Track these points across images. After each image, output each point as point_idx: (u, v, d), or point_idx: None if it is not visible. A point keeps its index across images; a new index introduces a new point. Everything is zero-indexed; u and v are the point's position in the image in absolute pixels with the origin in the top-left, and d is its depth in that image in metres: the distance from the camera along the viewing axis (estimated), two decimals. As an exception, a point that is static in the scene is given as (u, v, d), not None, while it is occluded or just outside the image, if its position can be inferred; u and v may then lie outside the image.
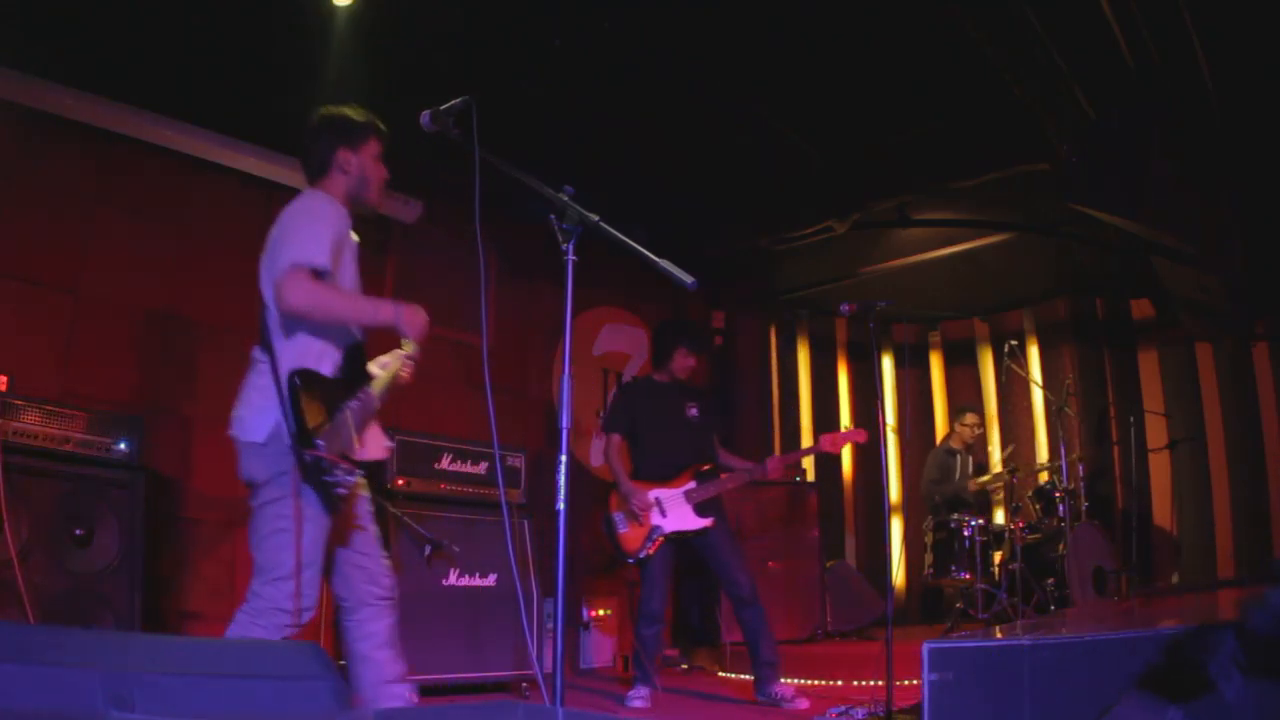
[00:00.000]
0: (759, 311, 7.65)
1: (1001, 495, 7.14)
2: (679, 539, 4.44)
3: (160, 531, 4.17)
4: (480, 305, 2.55)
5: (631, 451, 4.61)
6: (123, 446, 3.74)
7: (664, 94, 5.10)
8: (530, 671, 4.56)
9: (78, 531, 3.52)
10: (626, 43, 4.62)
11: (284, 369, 2.50)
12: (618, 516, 4.47)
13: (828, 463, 7.71)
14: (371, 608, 2.71)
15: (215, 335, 4.61)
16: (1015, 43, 4.32)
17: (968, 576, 5.90)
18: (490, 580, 4.63)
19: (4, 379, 3.51)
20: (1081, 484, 6.22)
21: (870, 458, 7.75)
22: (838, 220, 6.21)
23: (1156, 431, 6.78)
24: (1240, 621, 1.70)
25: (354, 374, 2.65)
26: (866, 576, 6.89)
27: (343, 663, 3.42)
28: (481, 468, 4.82)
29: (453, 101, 2.28)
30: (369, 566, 2.71)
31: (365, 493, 2.75)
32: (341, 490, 2.51)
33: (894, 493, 7.87)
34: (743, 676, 5.12)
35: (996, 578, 5.96)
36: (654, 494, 4.44)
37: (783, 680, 4.39)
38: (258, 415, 2.50)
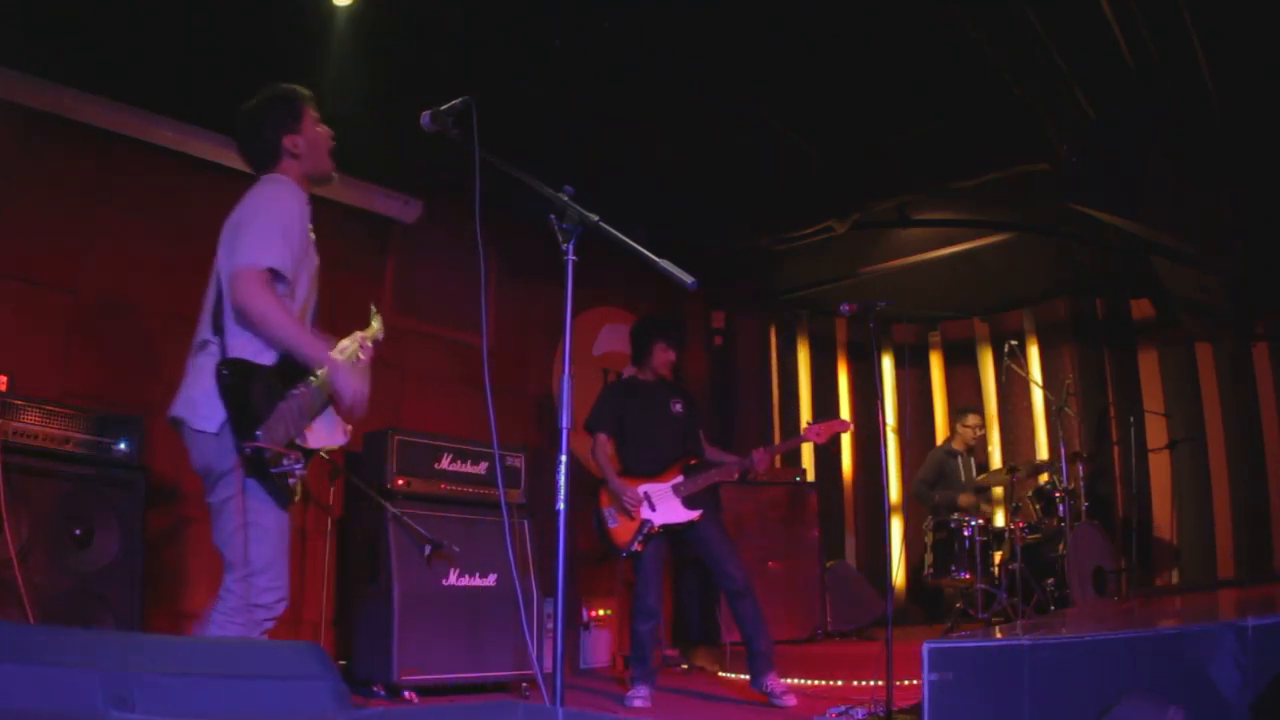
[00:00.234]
0: (759, 311, 7.65)
1: (1001, 495, 7.14)
2: (670, 532, 4.47)
3: (160, 531, 4.17)
4: (480, 305, 2.56)
5: (619, 449, 4.64)
6: (123, 446, 3.74)
7: (664, 94, 5.10)
8: (530, 671, 4.56)
9: (77, 531, 3.53)
10: (626, 43, 4.62)
11: (231, 355, 2.46)
12: (607, 512, 4.50)
13: (828, 463, 7.72)
14: None
15: (215, 335, 4.61)
16: (1015, 43, 4.32)
17: (968, 576, 5.90)
18: (490, 580, 4.64)
19: (4, 379, 3.50)
20: (1081, 484, 6.22)
21: (870, 458, 7.75)
22: (838, 220, 6.21)
23: (1156, 431, 6.77)
24: None
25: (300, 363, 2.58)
26: (866, 576, 6.89)
27: (343, 662, 3.44)
28: (481, 468, 4.82)
29: (453, 101, 2.28)
30: None
31: None
32: (292, 480, 2.49)
33: (894, 493, 7.87)
34: (742, 676, 5.12)
35: (996, 578, 5.96)
36: (643, 489, 4.47)
37: (780, 679, 4.40)
38: (210, 401, 2.44)
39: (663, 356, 4.68)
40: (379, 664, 4.26)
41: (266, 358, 2.51)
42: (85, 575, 3.51)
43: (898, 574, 7.25)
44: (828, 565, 6.46)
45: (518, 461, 5.01)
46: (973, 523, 5.97)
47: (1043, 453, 7.33)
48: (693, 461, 4.58)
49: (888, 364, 8.11)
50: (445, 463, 4.70)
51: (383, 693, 4.27)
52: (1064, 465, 6.02)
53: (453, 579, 4.51)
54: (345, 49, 4.39)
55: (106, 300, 4.38)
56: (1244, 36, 4.28)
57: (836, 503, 7.76)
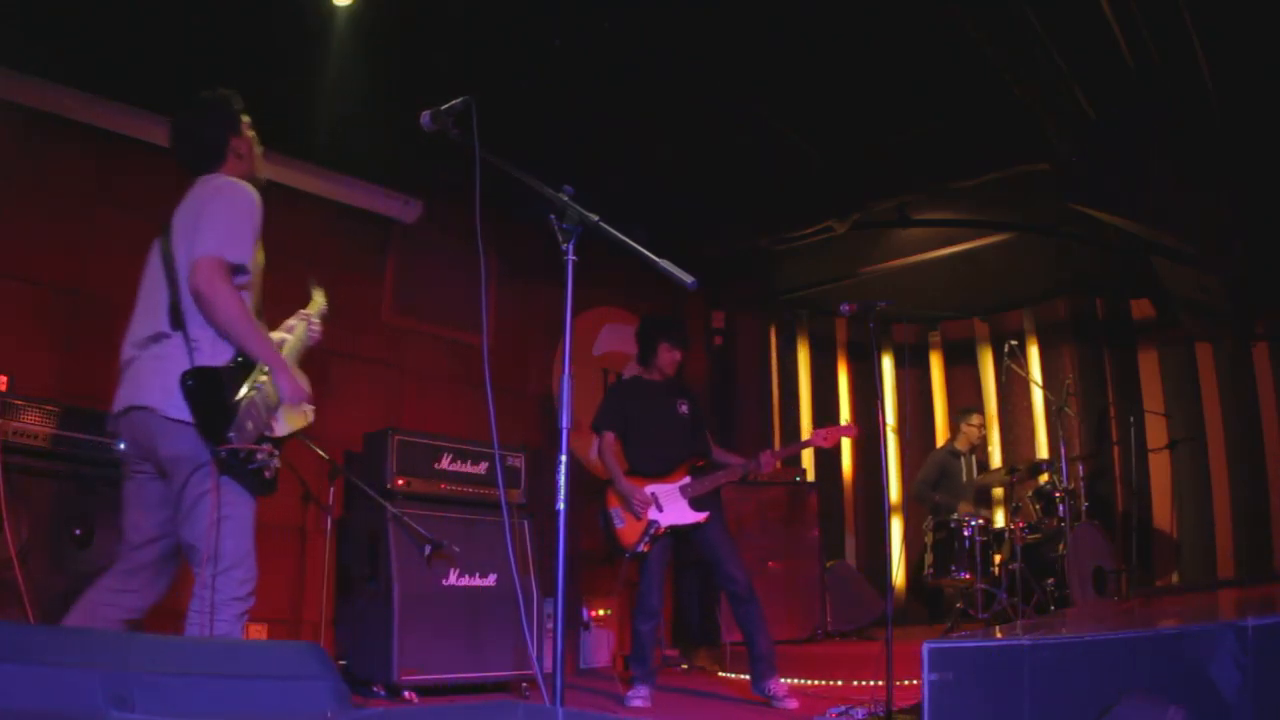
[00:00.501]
0: (759, 311, 7.65)
1: (1001, 495, 7.14)
2: (675, 533, 4.47)
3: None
4: (480, 305, 2.56)
5: (625, 449, 4.63)
6: (123, 446, 3.73)
7: (664, 94, 5.10)
8: (530, 671, 4.56)
9: (78, 531, 3.53)
10: (626, 43, 4.62)
11: (198, 355, 2.52)
12: (614, 512, 4.49)
13: (828, 463, 7.72)
14: None
15: (215, 335, 4.61)
16: (1015, 43, 4.32)
17: (968, 576, 5.90)
18: (490, 580, 4.64)
19: (4, 379, 3.51)
20: (1081, 484, 6.22)
21: (870, 458, 7.75)
22: (838, 220, 6.21)
23: (1156, 431, 6.77)
24: None
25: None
26: (866, 576, 6.89)
27: (343, 662, 3.44)
28: (481, 468, 4.82)
29: (453, 101, 2.28)
30: None
31: None
32: (269, 473, 2.58)
33: (894, 493, 7.87)
34: (742, 676, 5.12)
35: (996, 578, 5.96)
36: (650, 489, 4.47)
37: (780, 679, 4.40)
38: (179, 391, 2.49)
39: (668, 356, 4.67)
40: (379, 664, 4.26)
41: (225, 355, 2.57)
42: (85, 575, 3.49)
43: (898, 574, 7.24)
44: (828, 565, 6.46)
45: (518, 461, 5.01)
46: (973, 523, 5.97)
47: (1043, 453, 7.33)
48: (699, 463, 4.57)
49: (888, 364, 8.11)
50: (445, 463, 4.70)
51: (383, 693, 4.27)
52: (1064, 465, 6.02)
53: (453, 579, 4.51)
54: (345, 49, 4.39)
55: (107, 300, 4.38)
56: (1244, 36, 4.28)
57: (836, 503, 7.76)
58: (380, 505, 4.40)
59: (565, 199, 2.26)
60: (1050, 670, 1.95)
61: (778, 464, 5.11)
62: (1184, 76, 4.50)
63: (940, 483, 6.58)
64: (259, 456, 2.54)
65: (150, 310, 2.63)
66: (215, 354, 2.56)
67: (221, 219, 2.57)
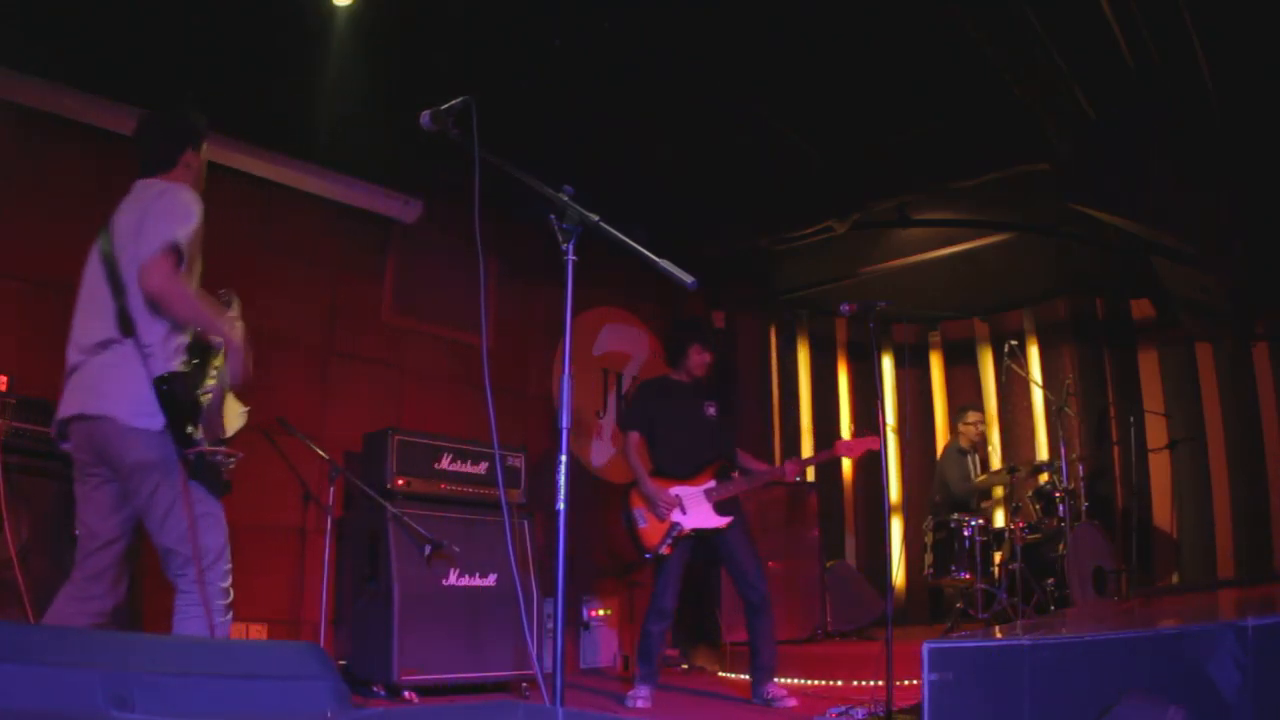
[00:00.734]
0: (759, 311, 7.65)
1: (1001, 495, 7.13)
2: (697, 537, 4.44)
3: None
4: (480, 305, 2.57)
5: (650, 449, 4.59)
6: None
7: (664, 94, 5.10)
8: (530, 671, 4.56)
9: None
10: (626, 43, 4.62)
11: (153, 362, 2.58)
12: (638, 512, 4.45)
13: (828, 463, 7.71)
14: None
15: (215, 335, 4.61)
16: (1015, 43, 4.32)
17: (968, 576, 5.90)
18: (490, 580, 4.64)
19: (4, 379, 3.50)
20: (1081, 484, 6.22)
21: (870, 458, 7.68)
22: (838, 220, 6.20)
23: (1156, 431, 6.77)
24: None
25: (200, 355, 2.73)
26: (866, 576, 6.89)
27: (343, 662, 3.43)
28: (481, 468, 4.82)
29: (453, 101, 2.28)
30: None
31: None
32: (226, 474, 2.70)
33: (894, 493, 7.86)
34: (742, 676, 5.12)
35: (996, 578, 5.96)
36: (675, 491, 4.44)
37: (779, 681, 4.40)
38: (144, 398, 2.56)
39: (698, 359, 4.64)
40: (379, 664, 4.26)
41: (179, 358, 2.65)
42: (85, 575, 3.50)
43: (898, 574, 7.25)
44: (828, 565, 6.46)
45: (518, 461, 5.01)
46: (973, 523, 5.97)
47: (1043, 453, 7.33)
48: (725, 466, 4.54)
49: (888, 364, 8.11)
50: (445, 463, 4.70)
51: (383, 693, 4.27)
52: (1064, 465, 6.02)
53: (453, 579, 4.51)
54: (345, 49, 4.39)
55: (106, 300, 4.38)
56: (1244, 36, 4.28)
57: (836, 503, 7.76)
58: (380, 505, 4.40)
59: (565, 199, 2.26)
60: (1050, 670, 1.95)
61: (803, 472, 5.09)
62: (1184, 76, 4.50)
63: (961, 481, 6.58)
64: (219, 457, 2.66)
65: (96, 315, 2.67)
66: (168, 359, 2.63)
67: (163, 218, 2.63)
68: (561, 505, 2.16)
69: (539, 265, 5.94)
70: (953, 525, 6.07)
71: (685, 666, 6.00)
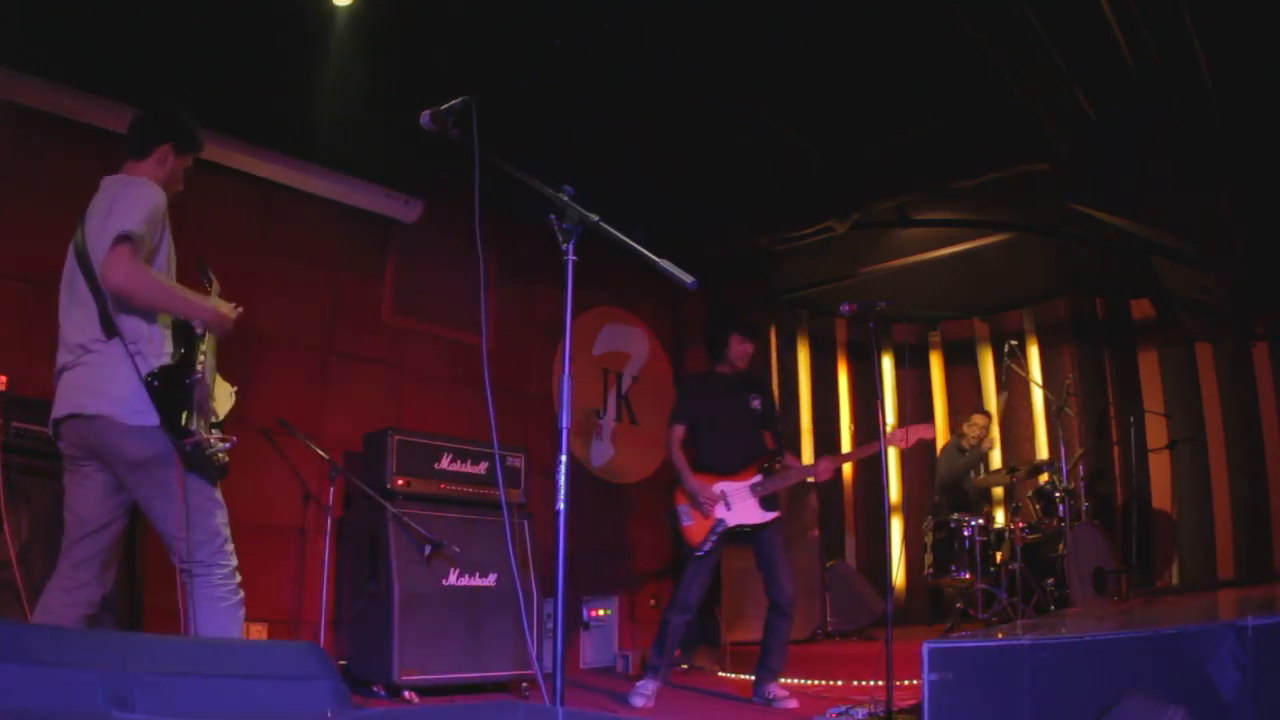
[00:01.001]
0: (759, 311, 7.65)
1: (1001, 495, 7.14)
2: (739, 533, 4.40)
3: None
4: (480, 305, 2.57)
5: (695, 444, 4.52)
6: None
7: (664, 94, 5.10)
8: (530, 671, 4.56)
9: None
10: (626, 43, 4.62)
11: (140, 360, 2.61)
12: (682, 509, 4.42)
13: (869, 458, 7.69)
14: None
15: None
16: (1015, 43, 4.32)
17: (968, 576, 5.90)
18: (490, 580, 4.63)
19: (4, 379, 3.50)
20: (1081, 484, 6.22)
21: (870, 458, 7.72)
22: (838, 220, 6.20)
23: (1156, 431, 6.77)
24: None
25: (186, 344, 2.75)
26: (866, 576, 6.89)
27: (343, 662, 3.42)
28: (481, 468, 4.82)
29: (453, 101, 2.28)
30: None
31: None
32: (224, 458, 2.74)
33: (894, 493, 7.87)
34: (742, 676, 5.12)
35: (996, 578, 5.96)
36: (719, 487, 4.40)
37: (780, 681, 4.40)
38: (138, 396, 2.60)
39: (740, 349, 4.57)
40: (379, 664, 4.26)
41: (165, 351, 2.68)
42: (85, 575, 3.50)
43: (898, 574, 7.25)
44: (828, 565, 6.46)
45: (518, 461, 5.01)
46: (973, 523, 5.97)
47: (1043, 453, 7.33)
48: (771, 460, 4.48)
49: (888, 364, 8.11)
50: (445, 463, 4.70)
51: (383, 693, 4.27)
52: (1064, 465, 6.02)
53: (453, 579, 4.51)
54: (345, 49, 4.39)
55: (106, 300, 4.37)
56: (1244, 36, 4.28)
57: (836, 503, 7.76)
58: (380, 505, 4.40)
59: (565, 199, 2.25)
60: (1050, 670, 1.95)
61: (839, 468, 5.03)
62: (1184, 76, 4.50)
63: (958, 475, 6.59)
64: (214, 444, 2.71)
65: (80, 316, 2.69)
66: (156, 354, 2.66)
67: (114, 213, 2.62)
68: (561, 505, 2.16)
69: (539, 265, 5.94)
70: (953, 525, 6.07)
71: (685, 666, 5.99)
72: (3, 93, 4.06)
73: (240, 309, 2.89)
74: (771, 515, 4.38)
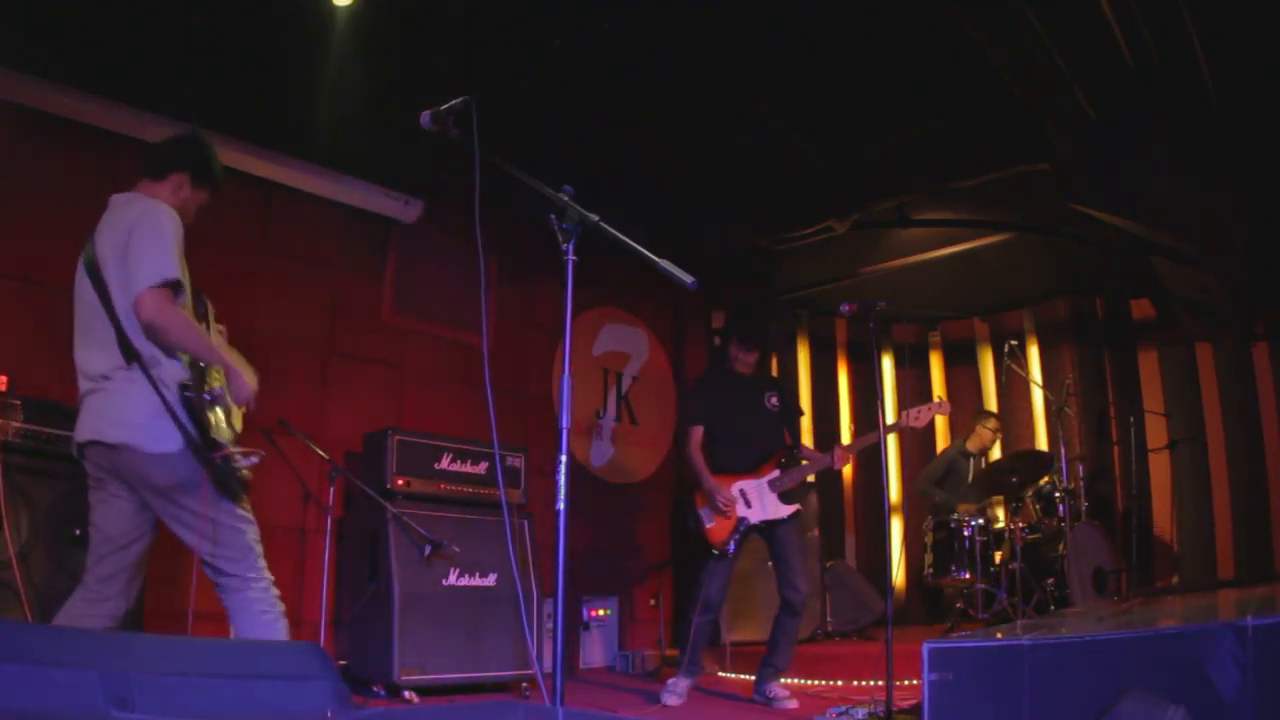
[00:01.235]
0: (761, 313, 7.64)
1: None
2: (762, 529, 4.40)
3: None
4: (480, 305, 2.57)
5: (712, 444, 4.50)
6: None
7: (664, 94, 5.10)
8: (530, 671, 4.56)
9: (78, 532, 3.51)
10: (626, 43, 4.62)
11: (164, 378, 2.63)
12: (704, 512, 4.40)
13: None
14: None
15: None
16: (1015, 43, 4.32)
17: (968, 576, 5.90)
18: (490, 580, 4.64)
19: (4, 379, 3.50)
20: (1081, 484, 6.22)
21: (870, 458, 7.73)
22: (838, 220, 6.21)
23: (1156, 431, 6.77)
24: None
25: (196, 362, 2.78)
26: (866, 576, 6.89)
27: (343, 662, 3.42)
28: (481, 468, 4.82)
29: (453, 101, 2.28)
30: None
31: None
32: (247, 473, 2.76)
33: (894, 493, 7.87)
34: (742, 676, 5.12)
35: (996, 578, 5.96)
36: (738, 486, 4.40)
37: (781, 681, 4.40)
38: (159, 423, 2.61)
39: (737, 355, 4.56)
40: (379, 664, 4.26)
41: (184, 372, 2.69)
42: (85, 575, 3.49)
43: (898, 574, 7.25)
44: (828, 565, 6.46)
45: (518, 461, 5.01)
46: (973, 523, 5.97)
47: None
48: (788, 455, 4.48)
49: (888, 364, 8.11)
50: (445, 463, 4.70)
51: (383, 693, 4.27)
52: (1064, 465, 6.02)
53: (453, 579, 4.51)
54: (345, 49, 4.39)
55: (106, 300, 4.37)
56: (1244, 36, 4.28)
57: (836, 503, 7.76)
58: (380, 505, 4.40)
59: (565, 199, 2.26)
60: (1050, 670, 1.95)
61: (851, 458, 5.04)
62: (1184, 76, 4.50)
63: (945, 480, 6.58)
64: (240, 459, 2.73)
65: (97, 342, 2.69)
66: (177, 373, 2.67)
67: (149, 245, 2.64)
68: (561, 505, 2.16)
69: (539, 265, 5.94)
70: (953, 525, 6.07)
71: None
72: (3, 93, 4.06)
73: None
74: (792, 509, 4.39)
